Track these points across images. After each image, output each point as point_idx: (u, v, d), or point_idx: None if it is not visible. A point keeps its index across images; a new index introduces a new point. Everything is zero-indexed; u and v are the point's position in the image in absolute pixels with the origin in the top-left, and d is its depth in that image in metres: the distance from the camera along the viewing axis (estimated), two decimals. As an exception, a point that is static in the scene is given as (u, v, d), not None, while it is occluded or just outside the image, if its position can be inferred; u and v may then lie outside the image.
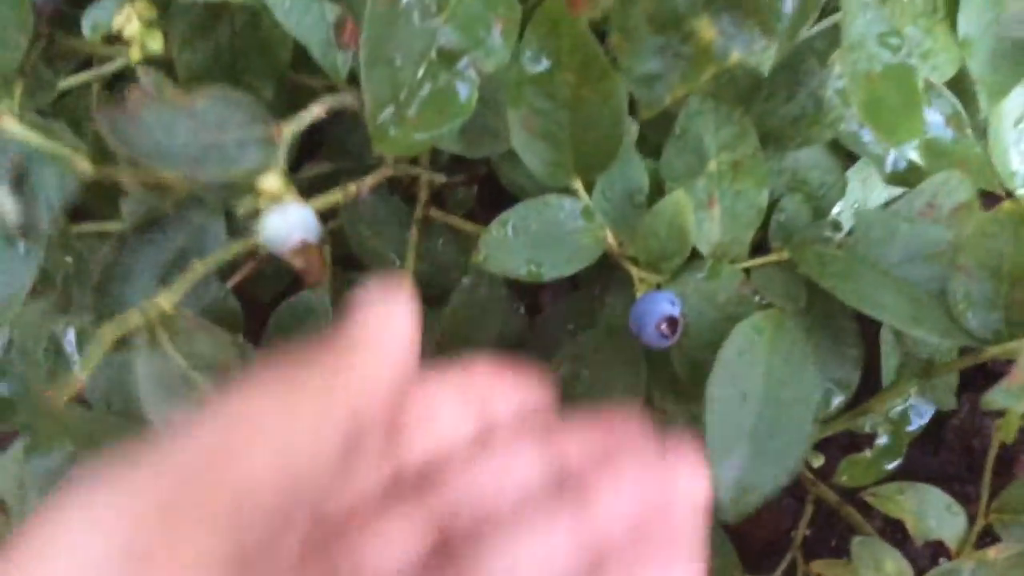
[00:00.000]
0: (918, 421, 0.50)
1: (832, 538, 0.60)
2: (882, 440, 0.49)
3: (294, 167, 0.50)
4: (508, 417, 0.26)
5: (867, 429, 0.50)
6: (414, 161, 0.50)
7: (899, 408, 0.49)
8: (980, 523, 0.45)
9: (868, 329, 0.48)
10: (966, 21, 0.47)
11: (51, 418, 0.35)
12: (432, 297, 0.53)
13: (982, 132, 0.51)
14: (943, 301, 0.41)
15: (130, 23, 0.37)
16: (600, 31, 0.39)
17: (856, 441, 0.50)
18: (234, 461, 0.20)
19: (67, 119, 0.42)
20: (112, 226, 0.47)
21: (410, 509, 0.24)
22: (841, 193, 0.50)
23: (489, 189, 0.54)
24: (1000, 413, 0.44)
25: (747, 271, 0.45)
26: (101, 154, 0.36)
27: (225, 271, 0.49)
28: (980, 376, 0.56)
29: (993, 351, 0.40)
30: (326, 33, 0.38)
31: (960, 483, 0.61)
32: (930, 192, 0.43)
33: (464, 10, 0.36)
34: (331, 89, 0.41)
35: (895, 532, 0.54)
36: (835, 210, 0.51)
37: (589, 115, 0.40)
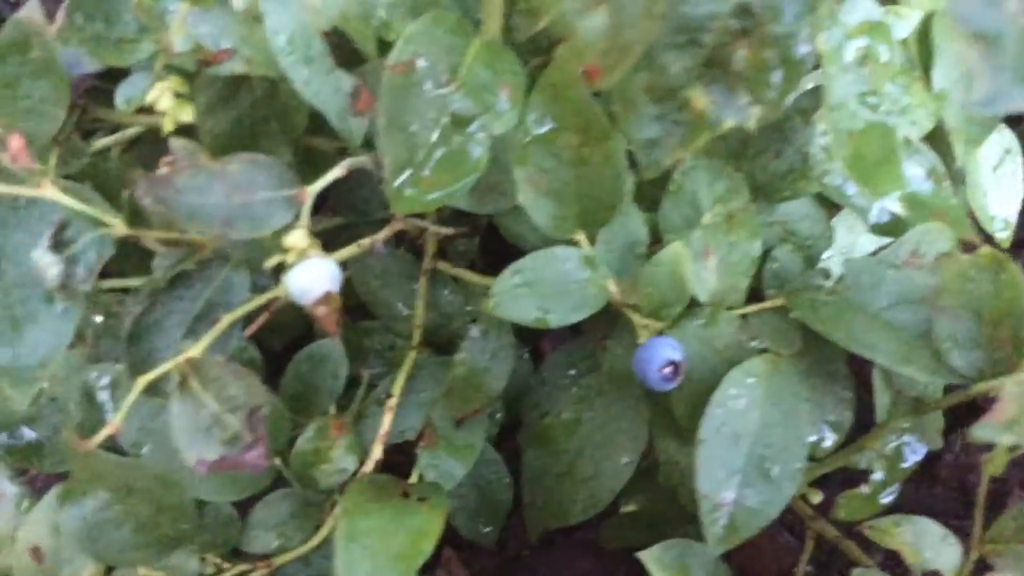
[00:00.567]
0: (912, 458, 0.51)
1: (833, 574, 0.61)
2: (877, 476, 0.50)
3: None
4: None
5: (863, 466, 0.51)
6: (420, 215, 0.52)
7: (893, 444, 0.51)
8: (975, 554, 0.47)
9: (861, 369, 0.50)
10: (940, 76, 0.49)
11: (84, 464, 0.37)
12: (439, 345, 0.55)
13: (961, 180, 0.54)
14: (929, 342, 0.43)
15: (164, 97, 0.39)
16: (598, 92, 0.41)
17: (853, 477, 0.52)
18: None
19: (92, 181, 0.44)
20: (135, 282, 0.50)
21: None
22: (829, 242, 0.52)
23: (489, 240, 0.57)
24: (990, 447, 0.46)
25: (744, 317, 0.47)
26: (134, 216, 0.39)
27: (242, 322, 0.51)
28: (971, 413, 0.58)
29: (979, 388, 0.42)
30: (343, 102, 0.40)
31: (957, 518, 0.62)
32: (914, 242, 0.45)
33: (473, 79, 0.38)
34: (343, 151, 0.43)
35: (895, 566, 0.56)
36: (825, 255, 0.53)
37: (591, 173, 0.42)
